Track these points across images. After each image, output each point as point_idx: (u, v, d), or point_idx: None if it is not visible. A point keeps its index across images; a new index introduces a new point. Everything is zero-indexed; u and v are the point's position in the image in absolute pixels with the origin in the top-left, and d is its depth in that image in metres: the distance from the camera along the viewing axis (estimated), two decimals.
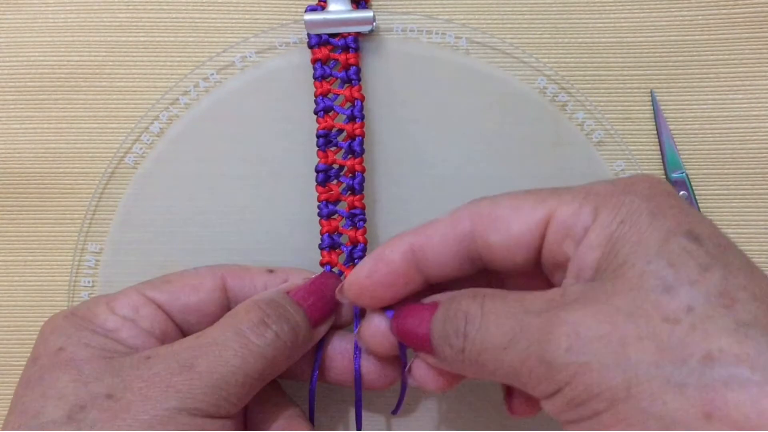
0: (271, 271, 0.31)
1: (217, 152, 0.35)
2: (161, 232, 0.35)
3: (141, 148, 0.35)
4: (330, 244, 0.32)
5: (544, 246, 0.25)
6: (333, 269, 0.31)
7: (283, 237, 0.34)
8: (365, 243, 0.32)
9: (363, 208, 0.32)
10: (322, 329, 0.29)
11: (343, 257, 0.32)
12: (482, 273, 0.27)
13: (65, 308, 0.29)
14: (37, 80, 0.36)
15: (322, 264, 0.31)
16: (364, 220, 0.32)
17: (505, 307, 0.24)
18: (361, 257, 0.31)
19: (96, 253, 0.35)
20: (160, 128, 0.35)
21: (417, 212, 0.35)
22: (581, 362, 0.21)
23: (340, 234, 0.32)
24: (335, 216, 0.32)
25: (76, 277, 0.35)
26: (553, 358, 0.22)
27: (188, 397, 0.24)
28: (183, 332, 0.29)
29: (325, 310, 0.29)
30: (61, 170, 0.36)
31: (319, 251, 0.32)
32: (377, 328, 0.28)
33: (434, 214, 0.34)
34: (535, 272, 0.26)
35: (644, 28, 0.35)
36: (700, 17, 0.35)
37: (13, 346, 0.36)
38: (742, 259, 0.23)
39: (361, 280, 0.27)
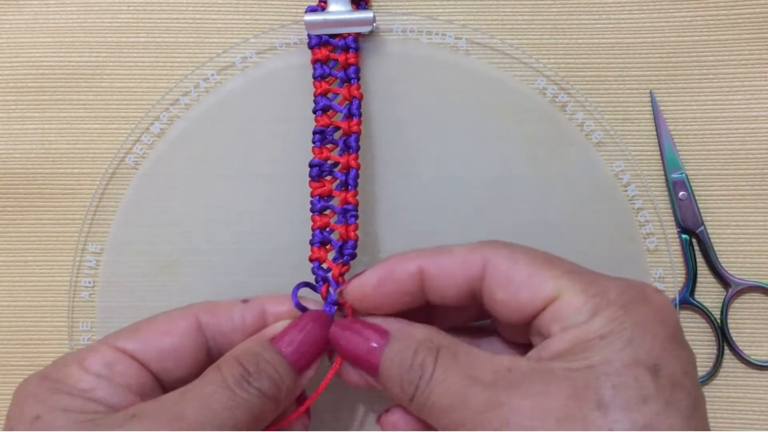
0: (245, 301, 0.30)
1: (217, 153, 0.35)
2: (161, 232, 0.35)
3: (141, 149, 0.35)
4: (321, 239, 0.31)
5: (539, 316, 0.26)
6: (322, 266, 0.31)
7: (283, 237, 0.35)
8: (356, 239, 0.31)
9: (356, 204, 0.32)
10: (310, 373, 0.28)
11: (332, 254, 0.31)
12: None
13: (38, 370, 0.27)
14: (38, 81, 0.36)
15: (311, 260, 0.31)
16: (356, 216, 0.32)
17: (455, 369, 0.25)
18: (351, 254, 0.31)
19: (96, 253, 0.35)
20: (161, 129, 0.35)
21: (415, 213, 0.35)
22: None
23: (332, 230, 0.32)
24: (327, 212, 0.32)
25: (76, 277, 0.35)
26: None
27: None
28: (160, 382, 0.28)
29: (310, 355, 0.28)
30: (62, 171, 0.36)
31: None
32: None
33: (431, 214, 0.35)
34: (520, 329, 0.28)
35: (644, 29, 0.35)
36: (699, 18, 0.35)
37: (13, 346, 0.36)
38: (691, 401, 0.24)
39: (367, 290, 0.28)
